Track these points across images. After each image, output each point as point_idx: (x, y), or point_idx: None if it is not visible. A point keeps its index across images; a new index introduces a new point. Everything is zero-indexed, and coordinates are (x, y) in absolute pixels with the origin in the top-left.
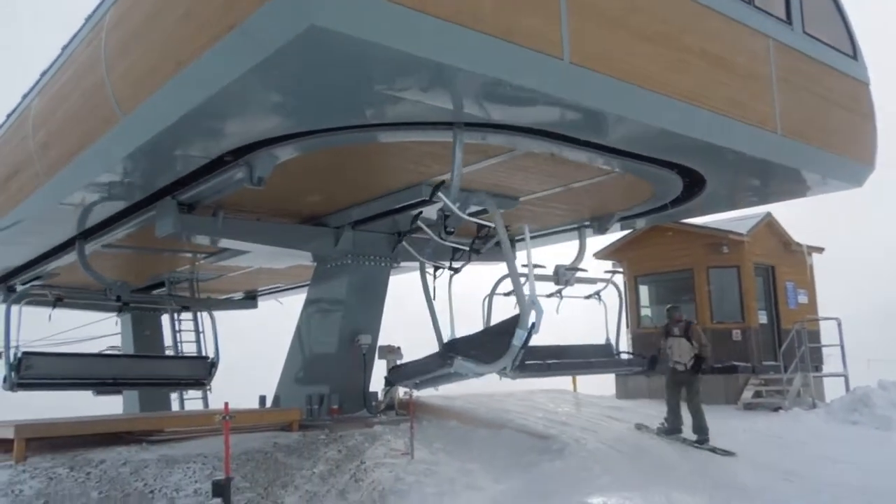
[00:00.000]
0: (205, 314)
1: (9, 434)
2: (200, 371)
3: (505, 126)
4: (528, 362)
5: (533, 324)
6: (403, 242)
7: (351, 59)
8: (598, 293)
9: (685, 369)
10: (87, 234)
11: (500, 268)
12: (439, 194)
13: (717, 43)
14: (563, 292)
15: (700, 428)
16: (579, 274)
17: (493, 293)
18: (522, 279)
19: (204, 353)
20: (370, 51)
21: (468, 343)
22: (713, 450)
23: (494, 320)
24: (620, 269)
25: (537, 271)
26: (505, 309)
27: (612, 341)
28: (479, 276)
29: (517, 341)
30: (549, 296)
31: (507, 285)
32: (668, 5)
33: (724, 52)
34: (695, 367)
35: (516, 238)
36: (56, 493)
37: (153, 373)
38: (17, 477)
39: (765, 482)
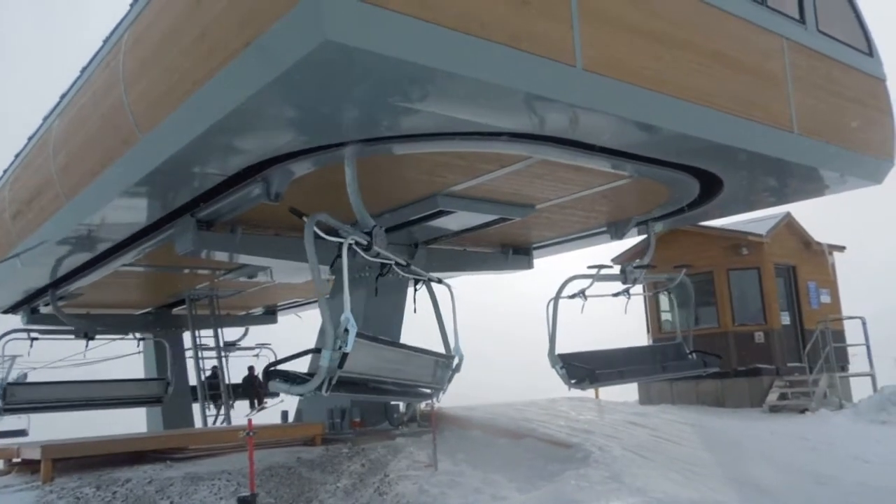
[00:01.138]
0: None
1: (36, 455)
2: (157, 390)
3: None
4: (598, 371)
5: (346, 341)
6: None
7: (364, 73)
8: (668, 289)
9: None
10: (105, 255)
11: (569, 270)
12: (304, 219)
13: (730, 44)
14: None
15: None
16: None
17: (558, 296)
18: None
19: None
20: (383, 64)
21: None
22: None
23: (560, 324)
24: (690, 264)
25: (605, 271)
26: (570, 312)
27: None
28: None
29: (324, 362)
30: (616, 295)
31: (573, 287)
32: (679, 8)
33: (737, 53)
34: None
35: (533, 246)
36: None
37: (115, 394)
38: (45, 498)
39: (794, 484)
